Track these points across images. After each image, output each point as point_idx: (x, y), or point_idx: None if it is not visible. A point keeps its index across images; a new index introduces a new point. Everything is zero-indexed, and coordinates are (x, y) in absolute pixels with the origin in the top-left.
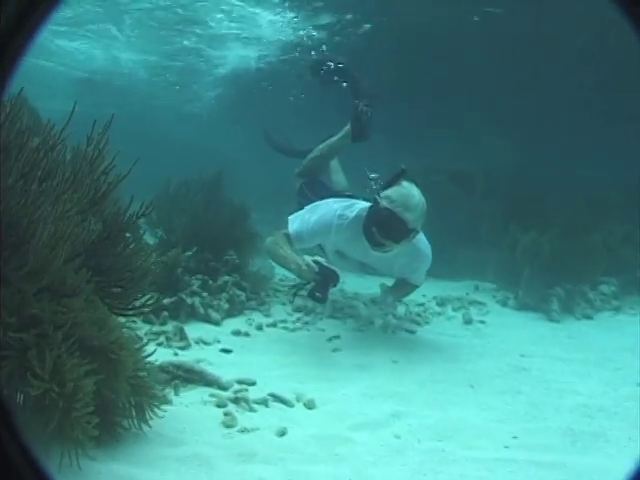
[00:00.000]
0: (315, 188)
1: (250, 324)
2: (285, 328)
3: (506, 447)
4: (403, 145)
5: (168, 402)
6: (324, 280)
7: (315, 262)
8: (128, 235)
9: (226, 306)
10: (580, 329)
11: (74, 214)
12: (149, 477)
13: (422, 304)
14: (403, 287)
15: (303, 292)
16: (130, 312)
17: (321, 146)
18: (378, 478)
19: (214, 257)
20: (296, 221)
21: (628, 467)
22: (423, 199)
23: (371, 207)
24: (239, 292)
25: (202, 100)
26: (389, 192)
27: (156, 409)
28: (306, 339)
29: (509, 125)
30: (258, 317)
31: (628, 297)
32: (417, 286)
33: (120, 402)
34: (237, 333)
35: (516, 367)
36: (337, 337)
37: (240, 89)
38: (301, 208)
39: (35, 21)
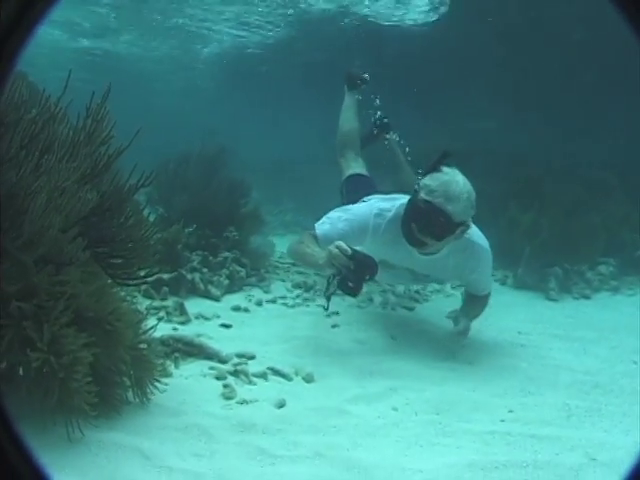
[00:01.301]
0: (357, 185)
1: (250, 300)
2: (285, 304)
3: (502, 421)
4: (399, 125)
5: (168, 375)
6: (359, 268)
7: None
8: (129, 207)
9: (226, 282)
10: (578, 308)
11: (70, 185)
12: (149, 446)
13: None
14: (474, 303)
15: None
16: (133, 282)
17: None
18: (375, 449)
19: (214, 234)
20: (325, 222)
21: (622, 441)
22: (470, 187)
23: (409, 200)
24: (239, 268)
25: (202, 73)
26: (427, 180)
27: (156, 381)
28: (305, 315)
29: (509, 105)
30: (258, 293)
31: (626, 277)
32: (488, 295)
33: (119, 374)
34: (237, 309)
35: (514, 344)
36: (336, 313)
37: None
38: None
39: (33, 19)
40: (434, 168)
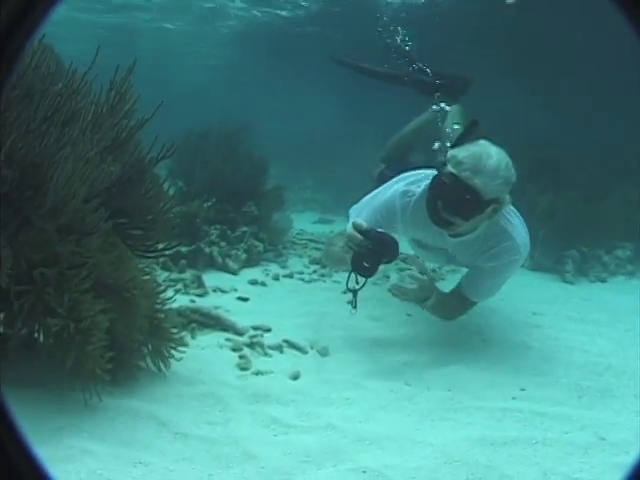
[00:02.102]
0: (397, 170)
1: (267, 274)
2: (301, 279)
3: (513, 398)
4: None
5: (185, 344)
6: (376, 248)
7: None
8: (149, 179)
9: (244, 256)
10: (593, 291)
11: (93, 155)
12: (165, 413)
13: None
14: (454, 302)
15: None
16: (151, 255)
17: (406, 128)
18: (386, 421)
19: (233, 208)
20: (355, 211)
21: (632, 422)
22: (505, 160)
23: (435, 175)
24: (257, 243)
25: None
26: (455, 151)
27: (173, 350)
28: (321, 290)
29: (527, 89)
30: (275, 268)
31: None
32: (474, 303)
33: (136, 342)
34: (254, 282)
35: (528, 324)
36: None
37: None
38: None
39: (35, 19)
40: (463, 139)
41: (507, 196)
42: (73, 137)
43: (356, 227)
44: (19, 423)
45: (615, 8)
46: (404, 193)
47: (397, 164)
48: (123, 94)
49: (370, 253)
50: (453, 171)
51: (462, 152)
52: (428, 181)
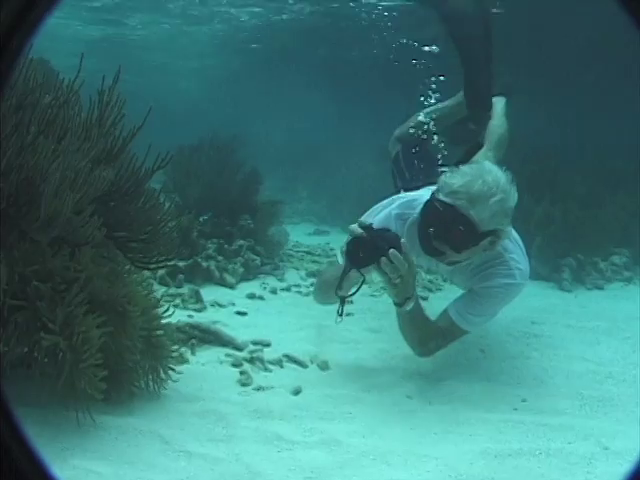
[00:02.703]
0: (414, 157)
1: (264, 288)
2: (299, 292)
3: (515, 409)
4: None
5: (185, 361)
6: (375, 239)
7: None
8: (146, 191)
9: (241, 270)
10: (591, 298)
11: (84, 165)
12: (167, 431)
13: None
14: (433, 325)
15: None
16: (152, 266)
17: (427, 110)
18: (390, 435)
19: (229, 222)
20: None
21: (634, 431)
22: (506, 185)
23: (428, 199)
24: (254, 256)
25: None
26: (450, 175)
27: (172, 368)
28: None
29: (522, 96)
30: (272, 281)
31: (639, 268)
32: (460, 332)
33: (135, 359)
34: (252, 296)
35: (527, 333)
36: (350, 302)
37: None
38: (394, 178)
39: (34, 19)
40: (463, 160)
41: (507, 228)
42: (63, 148)
43: (359, 223)
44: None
45: (620, 9)
46: (398, 217)
47: (412, 152)
48: (110, 102)
49: (368, 242)
50: (445, 199)
51: (458, 177)
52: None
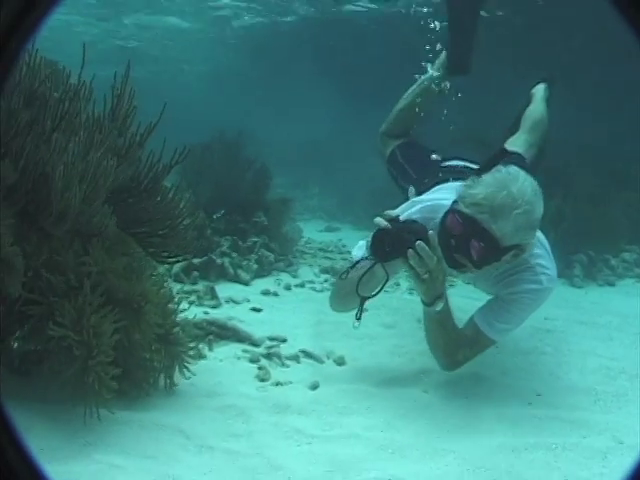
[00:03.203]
0: (412, 154)
1: (279, 284)
2: (313, 289)
3: (530, 404)
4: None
5: (202, 357)
6: (402, 232)
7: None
8: (165, 185)
9: (255, 267)
10: (602, 295)
11: (95, 156)
12: (188, 426)
13: None
14: (462, 336)
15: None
16: (172, 260)
17: (408, 91)
18: (407, 429)
19: (243, 219)
20: (361, 247)
21: None
22: (533, 197)
23: (449, 209)
24: (268, 253)
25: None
26: (473, 186)
27: (189, 364)
28: None
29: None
30: (286, 278)
31: None
32: (487, 341)
33: (152, 355)
34: (266, 293)
35: (540, 329)
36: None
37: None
38: (395, 181)
39: (34, 20)
40: (488, 167)
41: (532, 240)
42: (73, 141)
43: (385, 215)
44: (19, 428)
45: (615, 12)
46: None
47: (407, 146)
48: (121, 94)
49: (393, 234)
50: (466, 211)
51: (481, 187)
52: (440, 207)
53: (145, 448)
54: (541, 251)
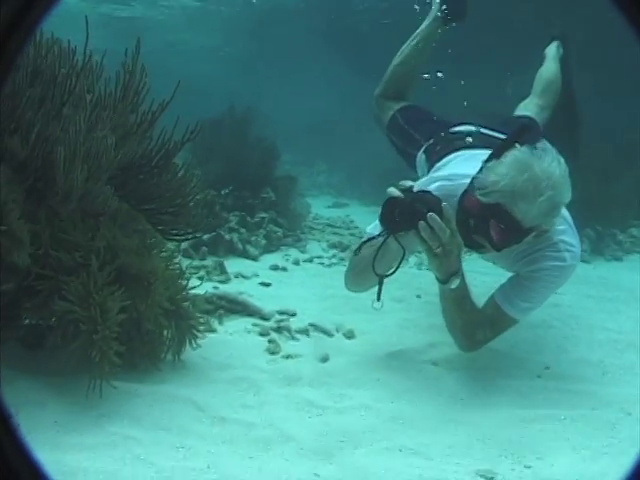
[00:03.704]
0: (416, 118)
1: (287, 259)
2: (321, 264)
3: (539, 377)
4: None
5: (213, 331)
6: (414, 202)
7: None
8: (176, 162)
9: (263, 242)
10: (610, 270)
11: (97, 135)
12: (201, 398)
13: None
14: (480, 313)
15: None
16: (181, 237)
17: (403, 46)
18: (417, 401)
19: (251, 195)
20: (376, 226)
21: None
22: (559, 178)
23: (466, 190)
24: (276, 229)
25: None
26: (493, 166)
27: (200, 337)
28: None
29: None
30: (295, 253)
31: None
32: (509, 320)
33: (163, 329)
34: (275, 268)
35: (548, 303)
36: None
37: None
38: (397, 149)
39: (34, 18)
40: (509, 146)
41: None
42: (78, 120)
43: (399, 185)
44: (18, 423)
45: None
46: (439, 189)
47: (407, 110)
48: (133, 71)
49: (404, 205)
50: (486, 193)
51: (501, 168)
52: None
53: (158, 420)
54: (564, 227)
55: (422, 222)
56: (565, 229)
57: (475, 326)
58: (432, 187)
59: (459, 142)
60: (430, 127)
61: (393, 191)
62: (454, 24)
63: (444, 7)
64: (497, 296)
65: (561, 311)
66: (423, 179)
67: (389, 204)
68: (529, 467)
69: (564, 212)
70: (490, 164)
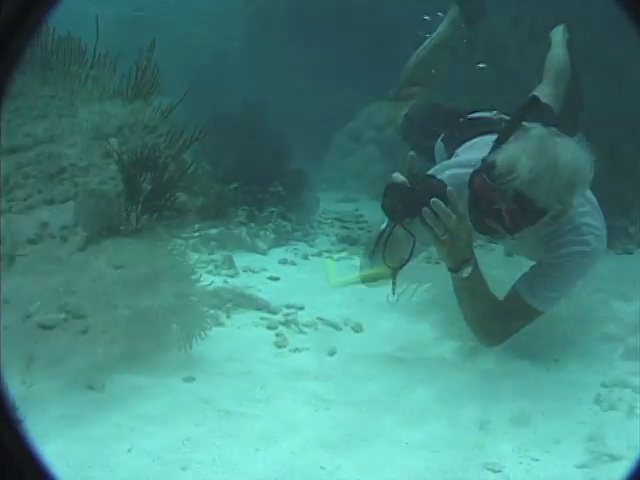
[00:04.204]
0: (430, 111)
1: (296, 254)
2: (330, 258)
3: (548, 370)
4: None
5: (221, 324)
6: (418, 189)
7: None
8: (182, 160)
9: (272, 236)
10: (620, 262)
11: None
12: (207, 391)
13: None
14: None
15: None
16: (187, 234)
17: (420, 49)
18: (428, 394)
19: (260, 189)
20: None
21: None
22: (574, 157)
23: (476, 170)
24: (285, 223)
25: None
26: (506, 149)
27: (208, 331)
28: (350, 268)
29: None
30: (303, 247)
31: None
32: (530, 310)
33: (170, 322)
34: (283, 262)
35: None
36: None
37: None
38: (415, 147)
39: (35, 18)
40: (516, 125)
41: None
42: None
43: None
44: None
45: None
46: (451, 177)
47: (421, 105)
48: (145, 68)
49: (407, 191)
50: (498, 174)
51: (512, 148)
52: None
53: (164, 412)
54: (587, 208)
55: (426, 208)
56: (588, 210)
57: (495, 319)
58: (445, 175)
59: (481, 127)
60: (447, 117)
61: (398, 176)
62: (472, 26)
63: (461, 9)
64: (518, 286)
65: (570, 304)
66: (437, 166)
67: (391, 191)
68: (537, 460)
69: (588, 194)
70: (505, 147)
